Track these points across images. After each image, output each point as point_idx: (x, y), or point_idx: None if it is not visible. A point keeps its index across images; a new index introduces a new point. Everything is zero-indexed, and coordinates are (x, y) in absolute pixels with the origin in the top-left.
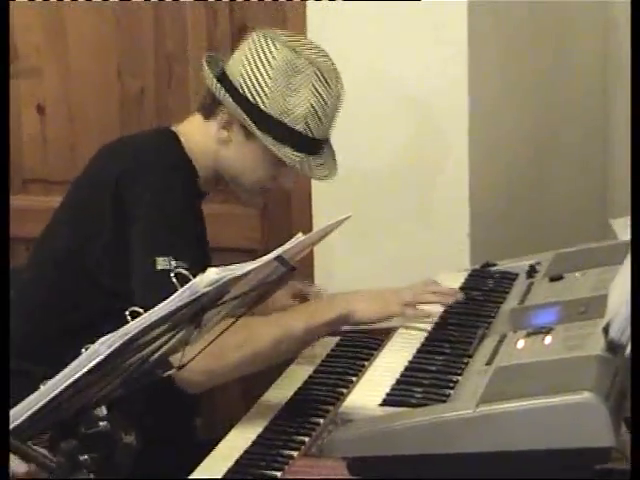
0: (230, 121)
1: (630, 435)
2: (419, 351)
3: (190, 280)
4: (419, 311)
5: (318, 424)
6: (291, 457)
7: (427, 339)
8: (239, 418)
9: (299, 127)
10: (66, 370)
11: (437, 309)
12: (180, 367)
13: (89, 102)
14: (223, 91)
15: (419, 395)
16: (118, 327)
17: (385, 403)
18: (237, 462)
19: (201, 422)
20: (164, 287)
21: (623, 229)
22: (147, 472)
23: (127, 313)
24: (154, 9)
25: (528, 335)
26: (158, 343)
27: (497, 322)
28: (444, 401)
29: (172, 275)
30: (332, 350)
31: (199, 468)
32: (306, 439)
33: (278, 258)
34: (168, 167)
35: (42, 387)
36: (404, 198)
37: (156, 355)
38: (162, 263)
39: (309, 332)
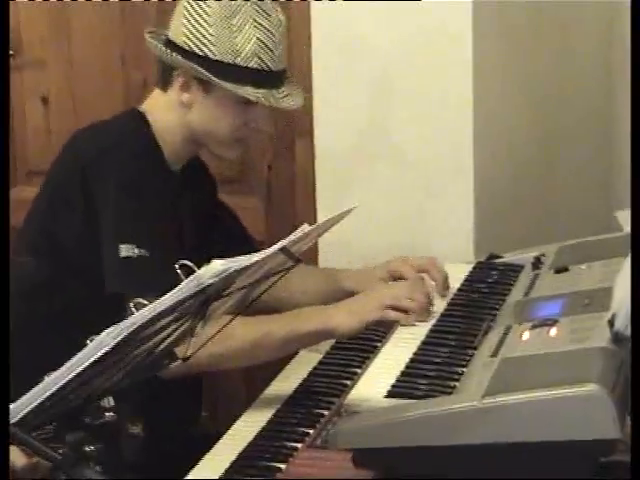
0: (187, 82)
1: (630, 436)
2: (424, 343)
3: (195, 271)
4: (399, 315)
5: (322, 416)
6: (295, 449)
7: (432, 331)
8: (243, 411)
9: (253, 64)
10: (72, 361)
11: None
12: (185, 359)
13: (93, 93)
14: (172, 54)
15: (424, 387)
16: (99, 314)
17: (390, 395)
18: (241, 454)
19: (206, 415)
20: (128, 274)
21: (628, 221)
22: (151, 463)
23: (132, 305)
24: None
25: (533, 327)
26: (164, 334)
27: (502, 314)
28: (449, 393)
29: (136, 262)
30: (336, 342)
31: (203, 460)
32: (310, 431)
33: (283, 249)
34: (132, 153)
35: (47, 378)
36: (409, 190)
37: (162, 346)
38: (125, 250)
39: (288, 341)
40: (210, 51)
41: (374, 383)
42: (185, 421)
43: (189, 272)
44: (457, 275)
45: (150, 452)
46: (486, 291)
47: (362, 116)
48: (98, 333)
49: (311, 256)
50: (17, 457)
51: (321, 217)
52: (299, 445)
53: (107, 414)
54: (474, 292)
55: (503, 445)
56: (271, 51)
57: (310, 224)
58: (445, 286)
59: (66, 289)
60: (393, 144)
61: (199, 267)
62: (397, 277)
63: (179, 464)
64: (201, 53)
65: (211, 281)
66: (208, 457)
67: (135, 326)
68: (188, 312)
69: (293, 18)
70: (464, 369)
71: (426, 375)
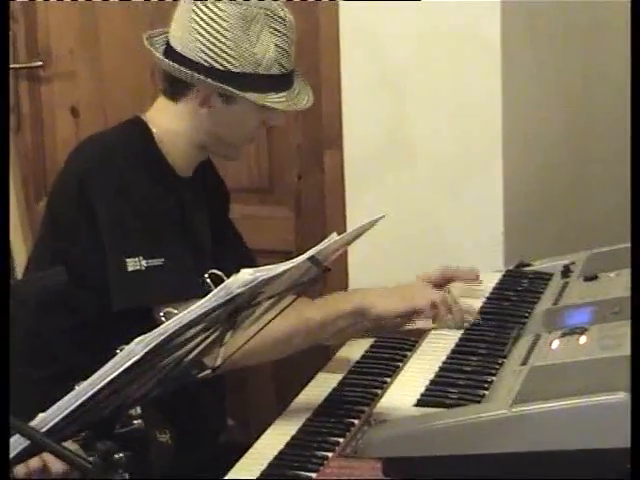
0: (207, 96)
1: (630, 436)
2: (453, 352)
3: (224, 281)
4: (447, 315)
5: (353, 425)
6: (326, 458)
7: (461, 340)
8: (273, 419)
9: (274, 70)
10: (102, 370)
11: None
12: (215, 368)
13: (123, 104)
14: (193, 74)
15: (454, 395)
16: (112, 328)
17: (420, 403)
18: (271, 463)
19: (235, 424)
20: (138, 288)
21: None
22: (180, 472)
23: (161, 314)
24: None
25: (563, 335)
26: (193, 344)
27: (531, 322)
28: (479, 401)
29: (147, 273)
30: (366, 351)
31: (234, 469)
32: (341, 440)
33: (311, 259)
34: (131, 164)
35: (77, 387)
36: (439, 198)
37: (190, 356)
38: (132, 264)
39: (325, 325)
40: (232, 65)
41: (404, 392)
42: (211, 429)
43: (218, 281)
44: (487, 283)
45: (178, 461)
46: (515, 299)
47: (391, 125)
48: (118, 346)
49: (340, 265)
50: (53, 462)
51: (350, 226)
52: (329, 454)
53: (135, 422)
54: (504, 300)
55: (533, 453)
56: (288, 55)
57: (339, 234)
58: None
59: (82, 303)
60: (422, 152)
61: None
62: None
63: (209, 473)
64: (223, 68)
65: (240, 290)
66: (238, 466)
67: (164, 335)
68: (217, 322)
69: (322, 28)
70: (494, 377)
71: (456, 384)
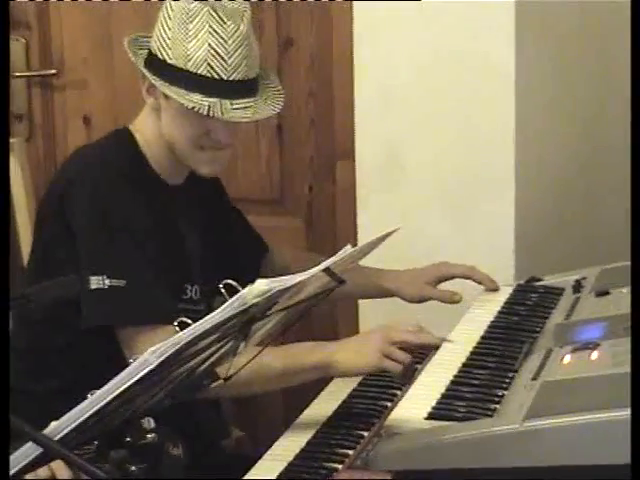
0: (152, 85)
1: (630, 436)
2: (464, 365)
3: (238, 291)
4: (396, 365)
5: (362, 437)
6: (335, 470)
7: (472, 353)
8: (282, 431)
9: (202, 70)
10: (115, 379)
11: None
12: (227, 378)
13: (135, 113)
14: (131, 52)
15: (465, 409)
16: (100, 344)
17: (431, 416)
18: (281, 474)
19: (244, 435)
20: (98, 307)
21: None
22: None
23: (175, 324)
24: None
25: (574, 350)
26: (206, 354)
27: (543, 337)
28: (490, 415)
29: (107, 293)
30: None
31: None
32: (350, 452)
33: (327, 270)
34: (108, 178)
35: (90, 396)
36: (450, 214)
37: (203, 366)
38: (95, 282)
39: (285, 375)
40: (167, 55)
41: (415, 404)
42: (212, 437)
43: (233, 291)
44: (497, 298)
45: (189, 473)
46: (526, 314)
47: (403, 138)
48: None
49: None
50: (60, 469)
51: (361, 239)
52: (339, 466)
53: (148, 435)
54: (514, 315)
55: (544, 468)
56: (223, 60)
57: (351, 245)
58: (493, 282)
59: (67, 320)
60: (434, 168)
61: (213, 281)
62: (445, 279)
63: None
64: (161, 57)
65: (255, 301)
66: (247, 478)
67: (179, 345)
68: (231, 332)
69: (336, 45)
70: (505, 392)
71: (467, 397)
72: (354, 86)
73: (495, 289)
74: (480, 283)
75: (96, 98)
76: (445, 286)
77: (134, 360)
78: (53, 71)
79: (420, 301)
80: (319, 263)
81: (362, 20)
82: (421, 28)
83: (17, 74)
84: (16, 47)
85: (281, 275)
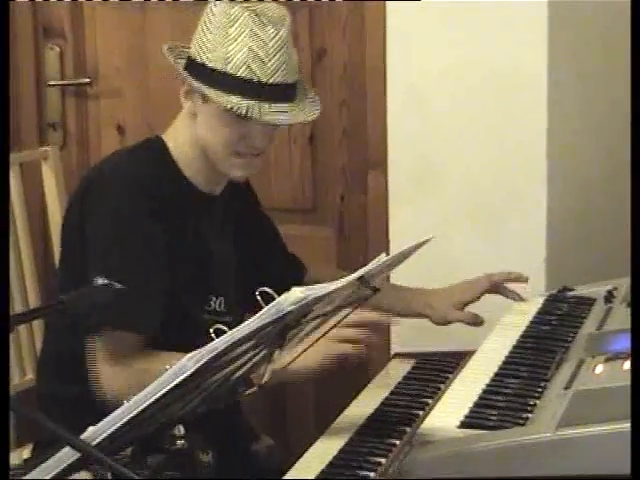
0: (190, 89)
1: (630, 438)
2: (496, 374)
3: (274, 298)
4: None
5: (394, 445)
6: (367, 478)
7: (505, 362)
8: (313, 440)
9: (242, 72)
10: (152, 385)
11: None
12: (261, 385)
13: (168, 123)
14: (171, 56)
15: (497, 418)
16: None
17: (463, 425)
18: None
19: (274, 445)
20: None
21: None
22: None
23: (211, 331)
24: None
25: (607, 360)
26: (241, 361)
27: (575, 347)
28: (522, 424)
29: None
30: (408, 373)
31: None
32: (382, 460)
33: (361, 278)
34: (123, 186)
35: (126, 402)
36: (481, 223)
37: (239, 373)
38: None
39: None
40: (207, 58)
41: (447, 413)
42: (241, 447)
43: (268, 299)
44: (529, 308)
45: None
46: (558, 324)
47: (435, 148)
48: None
49: None
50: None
51: (393, 248)
52: (371, 474)
53: (179, 442)
54: (546, 324)
55: (576, 477)
56: (263, 62)
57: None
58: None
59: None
60: (466, 177)
61: (240, 293)
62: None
63: None
64: (199, 60)
65: (290, 308)
66: None
67: (216, 352)
68: (266, 339)
69: (368, 52)
70: (537, 401)
71: (499, 406)
72: (387, 96)
73: (525, 280)
74: (507, 297)
75: (130, 107)
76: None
77: (170, 366)
78: (87, 80)
79: (447, 324)
80: None
81: (395, 29)
82: (453, 36)
83: (51, 83)
84: (50, 56)
85: None
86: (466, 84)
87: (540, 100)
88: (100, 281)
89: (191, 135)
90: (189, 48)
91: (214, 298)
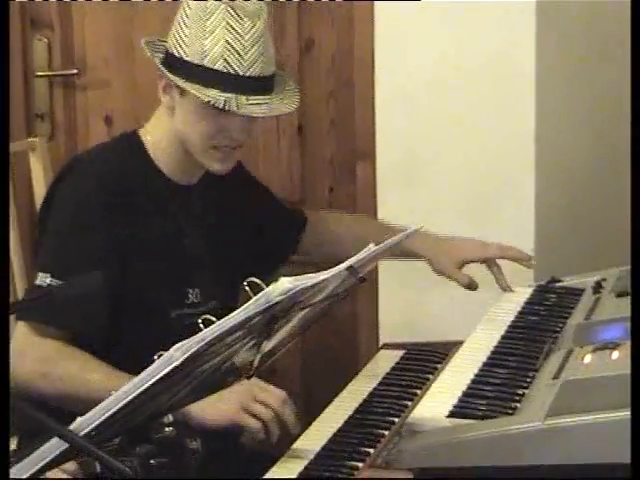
0: (168, 83)
1: (630, 436)
2: (485, 364)
3: (264, 289)
4: (255, 422)
5: (383, 435)
6: (356, 468)
7: (493, 353)
8: (303, 430)
9: (219, 66)
10: (141, 376)
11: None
12: (250, 375)
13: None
14: (149, 51)
15: (486, 407)
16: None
17: (452, 415)
18: (301, 473)
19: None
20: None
21: None
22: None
23: (200, 321)
24: None
25: (595, 350)
26: (230, 351)
27: (563, 337)
28: (511, 414)
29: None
30: (396, 364)
31: (264, 478)
32: (371, 450)
33: (349, 268)
34: (89, 183)
35: (115, 393)
36: (470, 213)
37: (227, 363)
38: (40, 278)
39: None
40: (184, 52)
41: (436, 403)
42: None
43: (256, 289)
44: (518, 298)
45: (207, 468)
46: (547, 314)
47: (423, 139)
48: None
49: (371, 278)
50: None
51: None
52: (360, 464)
53: (167, 429)
54: (535, 315)
55: (565, 466)
56: (240, 55)
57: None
58: (528, 257)
59: None
60: (454, 168)
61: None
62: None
63: None
64: (177, 54)
65: (279, 299)
66: (269, 476)
67: (204, 342)
68: (254, 329)
69: (357, 47)
70: (526, 391)
71: (488, 396)
72: (375, 86)
73: (530, 265)
74: (516, 261)
75: (117, 98)
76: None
77: (158, 357)
78: (75, 71)
79: (443, 276)
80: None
81: (383, 21)
82: (442, 29)
83: (39, 74)
84: (38, 47)
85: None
86: (454, 74)
87: (528, 90)
88: (38, 280)
89: (169, 129)
90: (167, 42)
91: (191, 290)
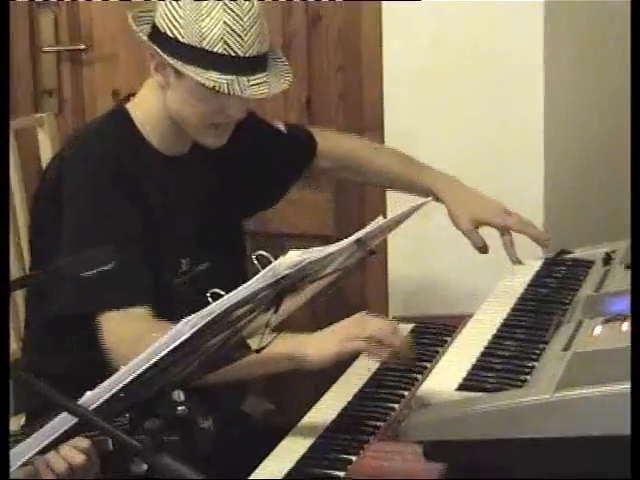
0: (161, 63)
1: (630, 435)
2: (495, 337)
3: (271, 262)
4: (360, 344)
5: (393, 409)
6: (366, 441)
7: (503, 325)
8: (312, 404)
9: (218, 48)
10: (149, 349)
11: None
12: (258, 350)
13: None
14: (141, 32)
15: (496, 380)
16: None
17: (462, 388)
18: (312, 446)
19: (273, 409)
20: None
21: None
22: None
23: (208, 295)
24: None
25: (605, 322)
26: (238, 325)
27: (573, 309)
28: (520, 386)
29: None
30: (406, 337)
31: (274, 452)
32: (381, 424)
33: (358, 241)
34: (97, 159)
35: (123, 367)
36: (479, 187)
37: (235, 338)
38: (97, 264)
39: (251, 363)
40: (179, 34)
41: (445, 376)
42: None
43: (265, 262)
44: (527, 270)
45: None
46: (556, 286)
47: (431, 112)
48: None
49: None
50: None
51: (390, 212)
52: (370, 438)
53: (179, 408)
54: (544, 287)
55: (575, 438)
56: (240, 36)
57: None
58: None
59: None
60: (463, 140)
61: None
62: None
63: (248, 457)
64: (171, 35)
65: (287, 272)
66: (278, 449)
67: (212, 315)
68: (263, 303)
69: (364, 15)
70: (535, 363)
71: (497, 369)
72: (382, 60)
73: (546, 244)
74: (534, 240)
75: (125, 73)
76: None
77: None
78: (82, 46)
79: (455, 226)
80: None
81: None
82: (450, 3)
83: (46, 49)
84: (45, 22)
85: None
86: (462, 50)
87: (537, 71)
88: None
89: (160, 106)
90: (152, 14)
91: (184, 260)
